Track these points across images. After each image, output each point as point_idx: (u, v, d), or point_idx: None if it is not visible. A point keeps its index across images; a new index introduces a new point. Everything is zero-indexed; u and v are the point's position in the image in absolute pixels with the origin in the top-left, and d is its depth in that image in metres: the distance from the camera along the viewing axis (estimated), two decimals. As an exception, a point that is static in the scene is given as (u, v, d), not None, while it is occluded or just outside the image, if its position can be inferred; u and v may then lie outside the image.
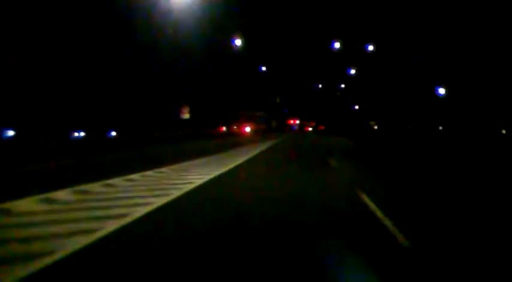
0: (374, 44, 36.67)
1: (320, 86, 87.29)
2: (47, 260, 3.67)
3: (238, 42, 37.95)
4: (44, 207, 6.00)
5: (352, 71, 57.28)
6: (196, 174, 10.17)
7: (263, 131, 54.57)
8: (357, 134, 43.70)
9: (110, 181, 8.56)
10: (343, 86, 78.60)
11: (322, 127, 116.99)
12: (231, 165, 12.80)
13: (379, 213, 5.76)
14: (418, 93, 49.28)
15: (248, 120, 46.26)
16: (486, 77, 37.55)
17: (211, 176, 9.90)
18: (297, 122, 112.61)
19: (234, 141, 28.81)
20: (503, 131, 37.57)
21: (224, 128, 36.37)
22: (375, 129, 66.85)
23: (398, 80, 51.06)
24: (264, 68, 55.99)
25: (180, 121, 25.71)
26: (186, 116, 25.20)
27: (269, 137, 39.56)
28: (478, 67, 39.42)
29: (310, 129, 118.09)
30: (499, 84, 35.28)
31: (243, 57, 42.45)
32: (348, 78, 65.73)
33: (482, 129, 35.99)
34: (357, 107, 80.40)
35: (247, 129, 43.83)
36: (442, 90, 43.29)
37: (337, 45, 37.21)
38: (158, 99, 27.06)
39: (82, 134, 34.83)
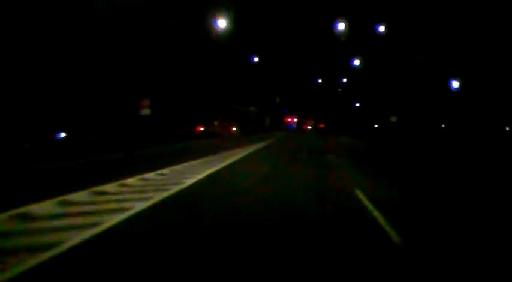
0: (386, 24, 30.93)
1: (320, 80, 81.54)
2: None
3: (221, 23, 32.20)
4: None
5: (357, 62, 51.87)
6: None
7: (254, 130, 48.65)
8: (367, 135, 37.97)
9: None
10: (344, 80, 73.25)
11: (322, 125, 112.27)
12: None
13: None
14: (430, 87, 44.65)
15: (235, 117, 40.09)
16: (491, 72, 34.56)
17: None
18: (295, 120, 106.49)
19: (210, 145, 23.05)
20: (507, 128, 35.91)
21: (202, 127, 29.95)
22: (376, 128, 62.50)
23: (409, 72, 45.89)
24: (256, 59, 50.28)
25: (139, 118, 20.04)
26: (145, 111, 19.52)
27: (259, 138, 33.62)
28: (487, 60, 35.24)
29: (309, 127, 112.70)
30: (503, 80, 32.78)
31: (228, 43, 36.69)
32: (351, 72, 60.39)
33: (485, 126, 33.96)
34: (357, 104, 75.08)
35: (234, 128, 37.90)
36: (455, 84, 39.35)
37: (341, 26, 31.45)
38: (115, 91, 21.35)
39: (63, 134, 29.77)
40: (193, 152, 17.62)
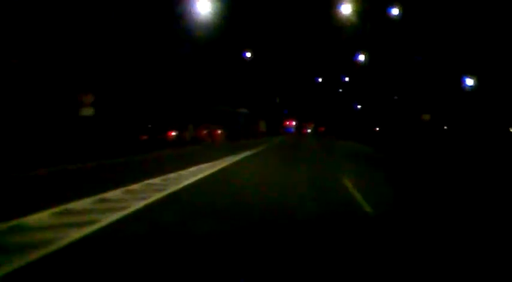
0: (401, 5, 26.17)
1: (320, 80, 76.68)
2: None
3: (203, 7, 27.47)
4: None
5: (361, 57, 47.22)
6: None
7: (245, 135, 43.47)
8: (379, 140, 32.82)
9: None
10: (347, 79, 68.70)
11: (323, 129, 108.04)
12: None
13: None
14: (442, 85, 40.76)
15: (221, 120, 34.56)
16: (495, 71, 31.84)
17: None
18: (294, 123, 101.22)
19: (175, 157, 17.94)
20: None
21: (174, 133, 24.38)
22: (377, 131, 58.36)
23: (422, 66, 41.57)
24: (248, 54, 45.46)
25: (79, 120, 15.08)
26: (86, 111, 14.65)
27: (248, 145, 28.31)
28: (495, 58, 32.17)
29: (309, 131, 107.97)
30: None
31: (214, 34, 31.87)
32: (355, 69, 55.88)
33: (489, 128, 31.65)
34: (360, 105, 70.51)
35: (218, 133, 32.53)
36: (469, 81, 33.98)
37: (346, 9, 26.71)
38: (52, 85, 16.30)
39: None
40: (135, 171, 12.66)
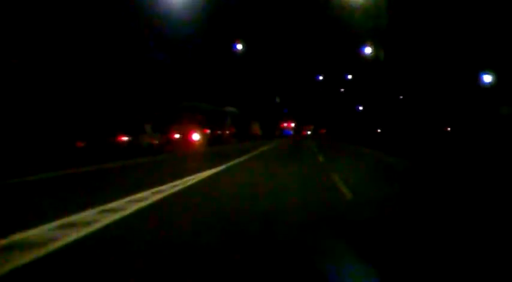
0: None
1: (321, 78, 71.84)
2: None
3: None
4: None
5: (368, 50, 42.58)
6: None
7: (231, 138, 38.41)
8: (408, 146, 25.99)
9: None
10: (350, 76, 64.10)
11: (324, 131, 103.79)
12: None
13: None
14: (457, 83, 37.24)
15: (199, 121, 28.87)
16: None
17: None
18: (292, 125, 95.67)
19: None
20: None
21: (126, 137, 18.59)
22: (379, 133, 54.26)
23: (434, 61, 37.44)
24: (239, 46, 40.61)
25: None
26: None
27: (229, 152, 22.26)
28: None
29: (309, 132, 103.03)
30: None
31: (194, 19, 27.07)
32: (360, 63, 51.41)
33: (492, 130, 29.39)
34: (363, 106, 66.03)
35: (196, 136, 26.75)
36: (487, 78, 31.14)
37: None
38: None
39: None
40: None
